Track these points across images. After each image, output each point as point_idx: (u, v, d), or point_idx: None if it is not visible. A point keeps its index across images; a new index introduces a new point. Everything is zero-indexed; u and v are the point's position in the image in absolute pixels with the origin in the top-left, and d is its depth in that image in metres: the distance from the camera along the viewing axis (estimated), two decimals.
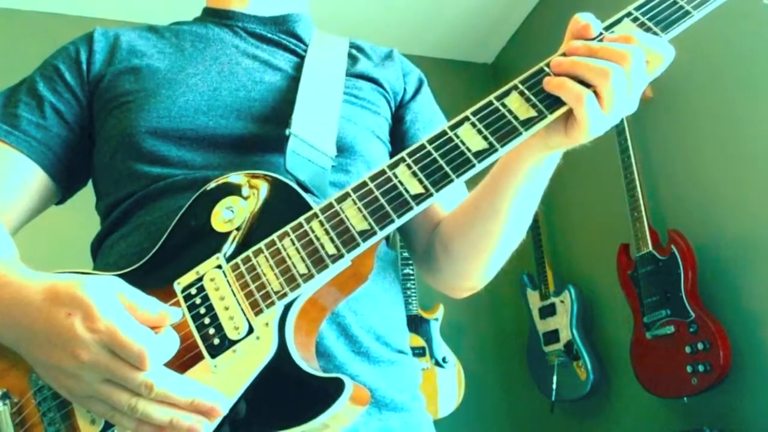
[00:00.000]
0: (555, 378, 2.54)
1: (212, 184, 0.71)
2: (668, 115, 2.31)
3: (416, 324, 2.63)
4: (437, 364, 2.57)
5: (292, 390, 0.60)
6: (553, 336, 2.62)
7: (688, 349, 1.95)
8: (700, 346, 1.92)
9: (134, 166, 0.81)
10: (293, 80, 0.89)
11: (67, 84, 0.87)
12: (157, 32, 0.95)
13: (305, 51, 0.95)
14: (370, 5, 3.09)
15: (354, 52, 1.01)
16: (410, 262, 2.67)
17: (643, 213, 2.18)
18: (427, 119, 0.99)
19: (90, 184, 0.94)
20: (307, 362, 0.62)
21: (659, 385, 2.07)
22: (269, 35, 0.96)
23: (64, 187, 0.89)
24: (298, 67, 0.92)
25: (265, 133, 0.83)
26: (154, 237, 0.74)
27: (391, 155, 0.95)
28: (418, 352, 2.56)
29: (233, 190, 0.70)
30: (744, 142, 2.03)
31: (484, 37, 3.41)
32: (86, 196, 0.96)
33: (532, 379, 2.76)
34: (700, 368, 1.90)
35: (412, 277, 2.67)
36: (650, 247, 2.12)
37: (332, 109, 0.87)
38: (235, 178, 0.71)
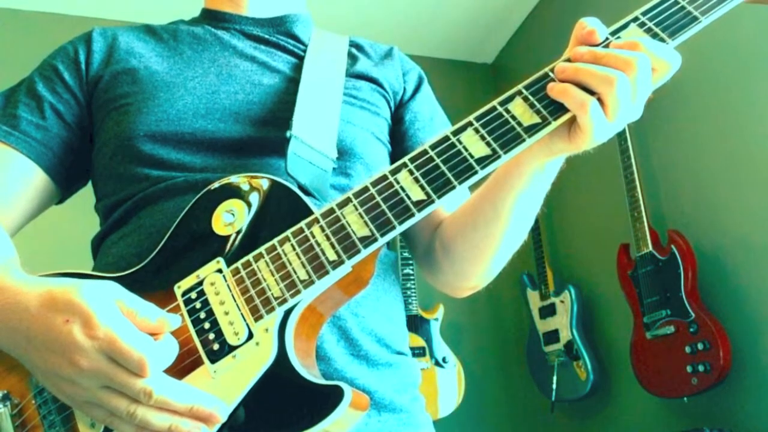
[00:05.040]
0: (555, 378, 2.54)
1: (213, 186, 0.71)
2: (668, 116, 2.31)
3: (416, 324, 2.63)
4: (437, 364, 2.57)
5: (292, 397, 0.60)
6: (553, 336, 2.62)
7: (688, 349, 1.95)
8: (700, 346, 1.92)
9: (134, 169, 0.81)
10: (292, 82, 0.89)
11: (66, 84, 0.87)
12: (155, 33, 0.95)
13: (304, 51, 0.94)
14: (371, 5, 3.08)
15: (354, 51, 1.00)
16: (410, 262, 2.67)
17: (643, 213, 2.18)
18: (427, 118, 0.99)
19: (89, 183, 0.94)
20: (306, 369, 0.62)
21: (659, 385, 2.07)
22: (267, 37, 0.95)
23: (63, 187, 0.89)
24: (297, 69, 0.91)
25: (264, 136, 0.82)
26: (154, 238, 0.74)
27: (391, 156, 0.95)
28: (418, 352, 2.56)
29: (234, 192, 0.70)
30: (744, 142, 2.02)
31: (484, 37, 3.41)
32: (86, 195, 0.95)
33: (532, 379, 2.76)
34: (700, 368, 1.90)
35: (412, 277, 2.67)
36: (650, 247, 2.12)
37: (332, 111, 0.86)
38: (237, 180, 0.71)
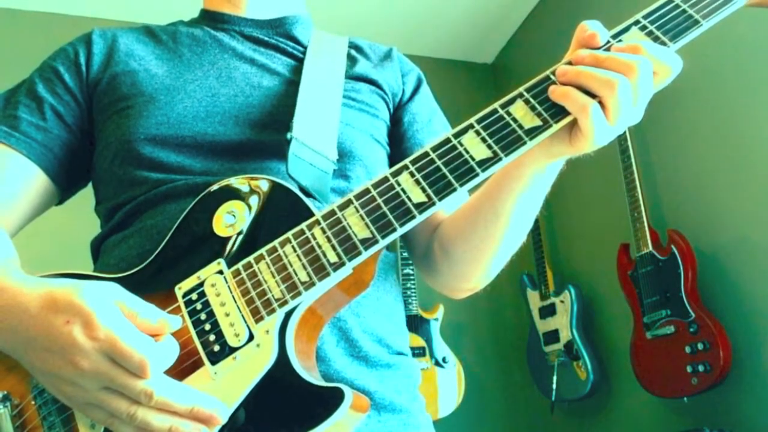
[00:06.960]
0: (555, 378, 2.54)
1: (214, 188, 0.71)
2: (668, 116, 2.31)
3: (416, 324, 2.63)
4: (437, 364, 2.57)
5: (292, 399, 0.60)
6: (553, 336, 2.62)
7: (688, 349, 1.95)
8: (700, 346, 1.92)
9: (134, 172, 0.81)
10: (291, 84, 0.89)
11: (67, 86, 0.87)
12: (154, 35, 0.94)
13: (303, 53, 0.94)
14: (371, 5, 3.08)
15: (353, 52, 1.00)
16: (410, 261, 2.67)
17: (643, 213, 2.18)
18: (426, 120, 0.99)
19: (89, 184, 0.94)
20: (307, 371, 0.62)
21: (659, 385, 2.07)
22: (266, 38, 0.95)
23: (63, 188, 0.89)
24: (297, 71, 0.91)
25: (264, 138, 0.82)
26: (155, 240, 0.74)
27: (390, 158, 0.95)
28: (418, 352, 2.56)
29: (235, 194, 0.70)
30: (743, 142, 2.02)
31: (484, 37, 3.40)
32: (86, 197, 0.95)
33: (532, 379, 2.76)
34: (700, 368, 1.90)
35: (412, 277, 2.67)
36: (650, 247, 2.12)
37: (332, 113, 0.86)
38: (237, 182, 0.71)
